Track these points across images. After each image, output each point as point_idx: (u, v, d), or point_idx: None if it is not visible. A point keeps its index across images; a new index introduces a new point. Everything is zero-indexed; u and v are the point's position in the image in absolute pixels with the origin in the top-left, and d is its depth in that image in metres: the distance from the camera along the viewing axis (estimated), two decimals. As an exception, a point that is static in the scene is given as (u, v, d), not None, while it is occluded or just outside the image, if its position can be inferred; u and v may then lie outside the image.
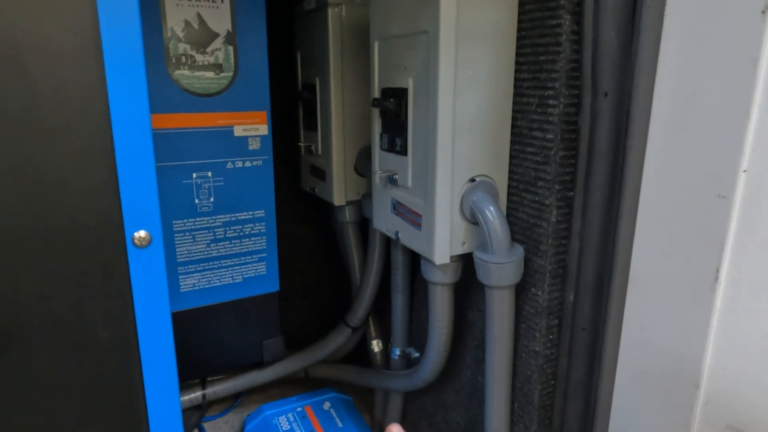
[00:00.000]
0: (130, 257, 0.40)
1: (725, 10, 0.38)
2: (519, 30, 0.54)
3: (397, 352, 0.84)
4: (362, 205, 0.83)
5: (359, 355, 0.97)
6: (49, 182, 0.37)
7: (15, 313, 0.38)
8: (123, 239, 0.40)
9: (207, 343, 0.86)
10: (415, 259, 0.78)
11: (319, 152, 0.84)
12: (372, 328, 0.95)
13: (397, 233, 0.64)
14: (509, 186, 0.59)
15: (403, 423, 0.89)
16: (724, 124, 0.39)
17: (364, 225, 0.88)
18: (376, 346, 0.95)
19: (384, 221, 0.67)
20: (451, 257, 0.58)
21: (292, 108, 0.92)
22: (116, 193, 0.39)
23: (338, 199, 0.82)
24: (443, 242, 0.56)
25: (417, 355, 0.83)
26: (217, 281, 0.84)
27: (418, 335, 0.83)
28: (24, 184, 0.36)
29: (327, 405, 0.91)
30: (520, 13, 0.53)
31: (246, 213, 0.83)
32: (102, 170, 0.38)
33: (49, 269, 0.38)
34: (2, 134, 0.35)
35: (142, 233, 0.40)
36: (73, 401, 0.42)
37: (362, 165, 0.81)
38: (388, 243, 0.80)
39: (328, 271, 1.09)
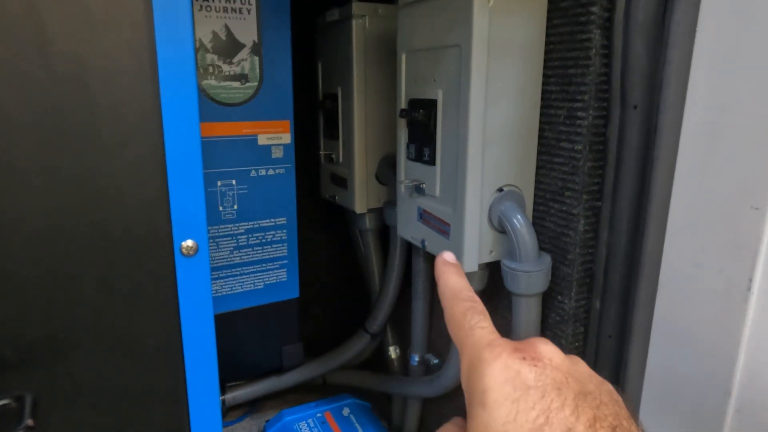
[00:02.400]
0: (177, 266, 0.42)
1: (758, 25, 0.40)
2: (547, 44, 0.55)
3: (417, 358, 0.85)
4: (383, 213, 0.84)
5: (375, 361, 0.98)
6: (106, 194, 0.38)
7: (71, 322, 0.39)
8: (171, 249, 0.41)
9: (227, 349, 0.86)
10: (436, 267, 0.79)
11: (340, 161, 0.85)
12: (389, 335, 0.96)
13: (423, 241, 0.65)
14: (536, 196, 0.60)
15: (421, 429, 0.90)
16: (758, 138, 0.40)
17: (383, 232, 0.89)
18: (393, 352, 0.96)
19: (409, 229, 0.68)
20: (479, 265, 0.59)
21: (312, 117, 0.94)
22: (167, 204, 0.40)
23: (359, 206, 0.83)
24: (472, 250, 0.57)
25: (436, 361, 0.83)
26: (239, 288, 0.85)
27: (437, 342, 0.84)
28: (84, 196, 0.38)
29: (346, 411, 0.92)
30: (548, 28, 0.55)
31: (268, 220, 0.84)
32: (154, 182, 0.39)
33: (104, 279, 0.39)
34: (66, 148, 0.36)
35: (189, 242, 0.41)
36: (121, 406, 0.43)
37: (384, 173, 0.82)
38: (409, 250, 0.81)
39: (345, 278, 1.10)
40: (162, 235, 0.41)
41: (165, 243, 0.41)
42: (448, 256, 0.30)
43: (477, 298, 0.27)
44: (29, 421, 0.36)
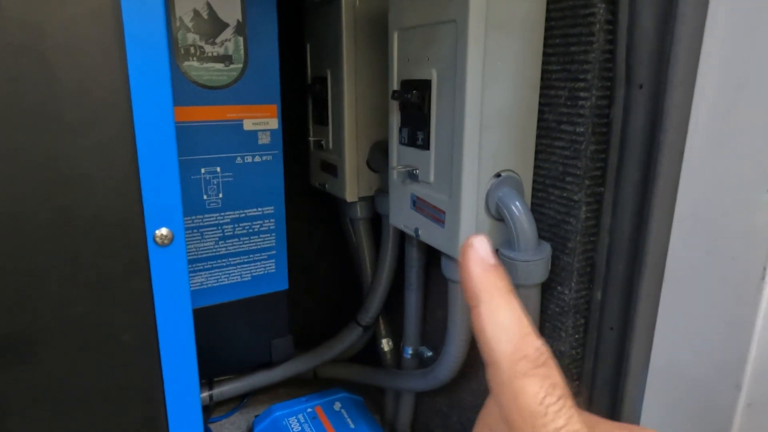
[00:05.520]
0: (151, 256, 0.38)
1: (778, -2, 0.37)
2: (548, 20, 0.52)
3: (410, 351, 0.82)
4: (375, 201, 0.81)
5: (367, 354, 0.96)
6: (70, 178, 0.34)
7: (33, 317, 0.36)
8: (144, 237, 0.38)
9: (214, 343, 0.84)
10: (430, 257, 0.76)
11: (330, 147, 0.82)
12: (382, 327, 0.94)
13: (416, 230, 0.62)
14: (535, 182, 0.57)
15: (415, 423, 0.88)
16: (775, 117, 0.38)
17: (375, 222, 0.86)
18: (386, 344, 0.94)
19: (402, 218, 0.65)
20: (475, 255, 0.56)
21: (301, 101, 0.90)
22: (138, 190, 0.36)
23: (350, 195, 0.80)
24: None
25: (429, 354, 0.81)
26: (225, 279, 0.82)
27: (430, 334, 0.81)
28: (43, 180, 0.34)
29: (338, 405, 0.89)
30: (549, 2, 0.52)
31: (255, 209, 0.81)
32: (124, 166, 0.36)
33: (69, 269, 0.36)
34: (21, 127, 0.33)
35: (163, 231, 0.38)
36: (93, 405, 0.39)
37: (375, 160, 0.79)
38: (402, 240, 0.79)
39: (336, 269, 1.07)
40: (133, 222, 0.37)
41: (137, 231, 0.38)
42: (482, 249, 0.18)
43: (545, 350, 0.17)
44: (-14, 427, 0.33)
